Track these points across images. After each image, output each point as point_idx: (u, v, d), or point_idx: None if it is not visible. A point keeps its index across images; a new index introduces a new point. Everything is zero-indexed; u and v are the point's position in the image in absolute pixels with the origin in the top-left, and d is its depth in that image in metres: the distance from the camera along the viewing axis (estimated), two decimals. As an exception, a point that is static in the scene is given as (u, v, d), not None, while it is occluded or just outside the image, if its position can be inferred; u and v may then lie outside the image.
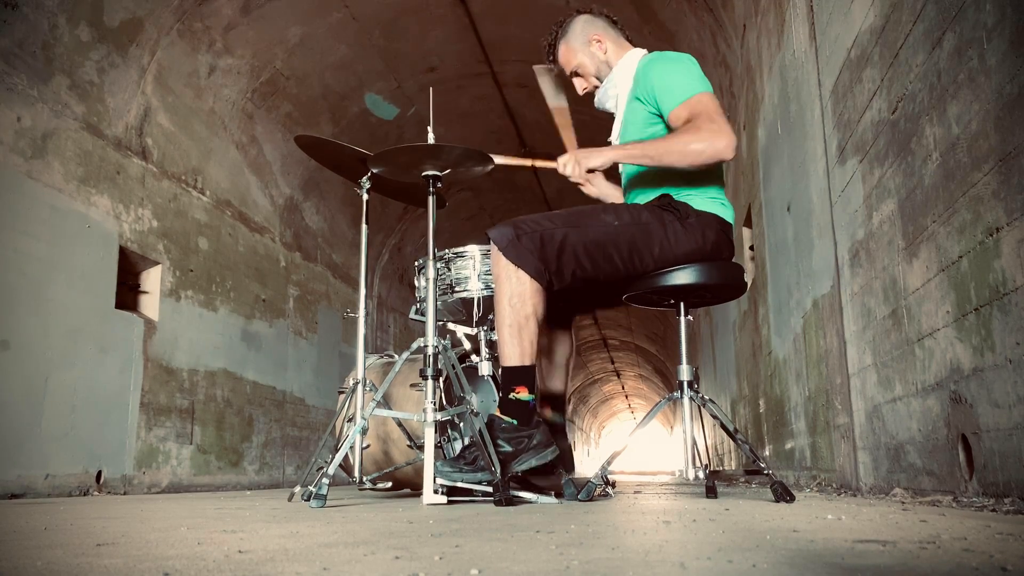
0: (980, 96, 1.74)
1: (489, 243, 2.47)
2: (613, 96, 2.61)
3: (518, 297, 2.36)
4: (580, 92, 2.69)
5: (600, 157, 2.42)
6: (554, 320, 2.74)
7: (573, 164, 2.45)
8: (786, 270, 3.96)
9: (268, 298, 6.17)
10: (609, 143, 2.62)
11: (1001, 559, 0.92)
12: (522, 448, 2.34)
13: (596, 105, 2.68)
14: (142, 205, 4.68)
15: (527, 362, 2.37)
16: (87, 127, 4.26)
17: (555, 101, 2.79)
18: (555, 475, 2.53)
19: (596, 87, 2.66)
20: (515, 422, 2.36)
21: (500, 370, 2.47)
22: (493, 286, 2.48)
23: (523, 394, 2.37)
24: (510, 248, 2.37)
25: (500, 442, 2.34)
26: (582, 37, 2.64)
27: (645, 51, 2.62)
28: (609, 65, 2.63)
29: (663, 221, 2.40)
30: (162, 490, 4.66)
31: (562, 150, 2.63)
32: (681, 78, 2.40)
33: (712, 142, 2.26)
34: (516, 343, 2.36)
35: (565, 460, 2.58)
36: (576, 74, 2.68)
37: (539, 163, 2.66)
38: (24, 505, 2.85)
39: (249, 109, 5.71)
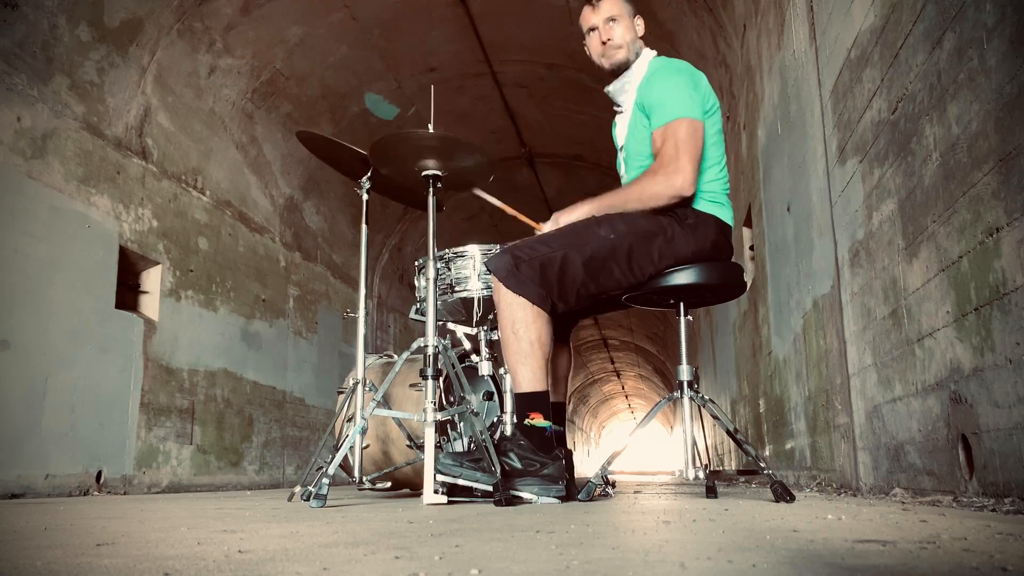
0: (980, 96, 1.74)
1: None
2: (626, 93, 2.59)
3: (521, 324, 2.36)
4: (606, 37, 2.56)
5: (574, 214, 2.49)
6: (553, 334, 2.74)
7: (553, 224, 2.52)
8: (786, 270, 3.96)
9: (268, 298, 6.17)
10: (613, 136, 2.68)
11: (1001, 559, 0.92)
12: (531, 471, 2.32)
13: (610, 90, 2.62)
14: (142, 205, 4.68)
15: (538, 388, 2.37)
16: (87, 127, 4.26)
17: (499, 202, 2.75)
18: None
19: (620, 48, 2.55)
20: (532, 445, 2.35)
21: (514, 396, 2.47)
22: (496, 314, 2.47)
23: (538, 420, 2.36)
24: (510, 278, 2.37)
25: (511, 455, 2.32)
26: (629, 6, 2.61)
27: (655, 52, 2.62)
28: (637, 49, 2.58)
29: (661, 225, 2.41)
30: (162, 490, 4.66)
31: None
32: (671, 97, 2.40)
33: (669, 183, 2.34)
34: (525, 369, 2.36)
35: (566, 466, 2.57)
36: (612, 20, 2.56)
37: (523, 218, 2.65)
38: (24, 505, 2.85)
39: (249, 109, 5.71)
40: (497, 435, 2.48)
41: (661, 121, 2.39)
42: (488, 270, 2.46)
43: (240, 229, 5.81)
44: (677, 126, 2.36)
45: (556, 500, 2.39)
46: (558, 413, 2.77)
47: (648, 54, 2.61)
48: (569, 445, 2.91)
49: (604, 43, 2.57)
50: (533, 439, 2.35)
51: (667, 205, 2.39)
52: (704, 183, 2.46)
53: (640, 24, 2.63)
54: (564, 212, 2.52)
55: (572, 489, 2.49)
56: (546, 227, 2.55)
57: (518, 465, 2.32)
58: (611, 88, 2.62)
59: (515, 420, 2.45)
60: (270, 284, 6.23)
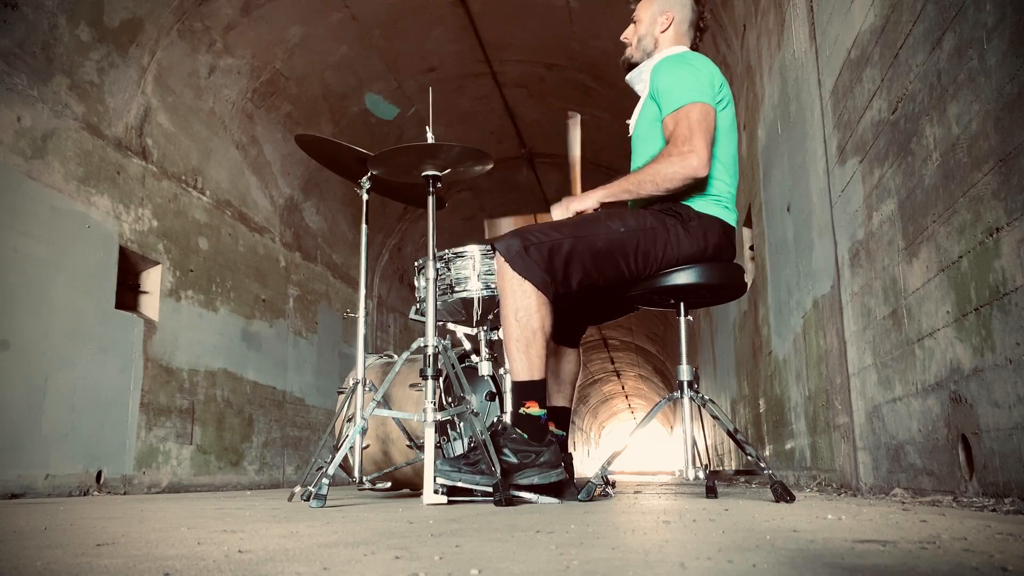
0: (980, 96, 1.74)
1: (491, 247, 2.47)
2: (642, 81, 2.62)
3: (524, 311, 2.36)
4: (621, 37, 2.70)
5: (586, 201, 2.51)
6: (562, 337, 2.74)
7: (563, 209, 2.55)
8: (786, 270, 3.96)
9: (268, 298, 6.17)
10: (627, 124, 2.70)
11: (1001, 559, 0.92)
12: (528, 463, 2.33)
13: (627, 79, 2.70)
14: (142, 205, 4.68)
15: (536, 377, 2.37)
16: (87, 127, 4.26)
17: (574, 151, 2.83)
18: (561, 495, 2.51)
19: (629, 46, 2.67)
20: (525, 436, 2.35)
21: (510, 385, 2.47)
22: (498, 298, 2.47)
23: (533, 409, 2.36)
24: (517, 259, 2.37)
25: (506, 452, 2.33)
26: (662, 3, 2.65)
27: (683, 48, 2.63)
28: (655, 45, 2.63)
29: (666, 225, 2.42)
30: (162, 490, 4.66)
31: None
32: (680, 84, 2.41)
33: (684, 163, 2.34)
34: (524, 358, 2.36)
35: (566, 470, 2.57)
36: (632, 22, 2.70)
37: (540, 216, 2.67)
38: (24, 505, 2.85)
39: (249, 109, 5.71)
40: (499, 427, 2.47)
41: (672, 107, 2.39)
42: (494, 250, 2.45)
43: (240, 229, 5.81)
44: (689, 109, 2.36)
45: (556, 499, 2.39)
46: (564, 418, 2.77)
47: (672, 49, 2.61)
48: (569, 446, 2.91)
49: (622, 39, 2.71)
50: (527, 428, 2.36)
51: (681, 187, 2.38)
52: (710, 184, 2.46)
53: (665, 18, 2.63)
54: (576, 199, 2.54)
55: (571, 486, 2.49)
56: (555, 211, 2.57)
57: (514, 460, 2.33)
58: (627, 77, 2.70)
59: (511, 410, 2.46)
60: (270, 284, 6.23)
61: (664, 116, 2.42)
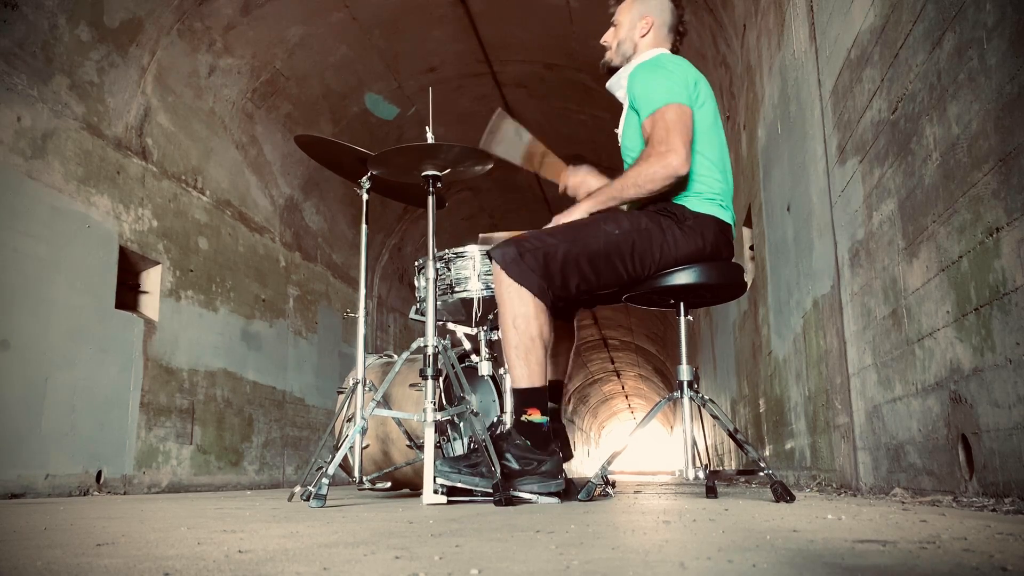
0: (980, 96, 1.74)
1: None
2: (621, 88, 2.62)
3: (523, 319, 2.36)
4: (601, 41, 2.70)
5: (574, 214, 2.51)
6: (556, 310, 2.74)
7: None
8: (786, 270, 3.96)
9: (268, 298, 6.17)
10: (616, 133, 2.69)
11: (1001, 559, 0.92)
12: (529, 470, 2.33)
13: (607, 86, 2.69)
14: (142, 205, 4.68)
15: (536, 384, 2.37)
16: (87, 127, 4.26)
17: (520, 147, 2.75)
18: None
19: (609, 49, 2.67)
20: (529, 443, 2.35)
21: (511, 391, 2.47)
22: (496, 304, 2.47)
23: (535, 416, 2.36)
24: (512, 266, 2.37)
25: (508, 457, 2.33)
26: (642, 7, 2.64)
27: (662, 50, 2.62)
28: (635, 50, 2.63)
29: (661, 225, 2.42)
30: (162, 490, 4.66)
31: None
32: (654, 87, 2.42)
33: (663, 163, 2.34)
34: (523, 365, 2.36)
35: (561, 443, 2.57)
36: (612, 25, 2.69)
37: (545, 174, 2.65)
38: (24, 505, 2.85)
39: (249, 109, 5.71)
40: (497, 431, 2.47)
41: (649, 110, 2.40)
42: (490, 259, 2.46)
43: (240, 229, 5.81)
44: (665, 111, 2.37)
45: (556, 499, 2.39)
46: (557, 390, 2.76)
47: (647, 53, 2.61)
48: (569, 445, 2.90)
49: (602, 42, 2.70)
50: (530, 436, 2.35)
51: (664, 187, 2.38)
52: (701, 181, 2.46)
53: (644, 23, 2.62)
54: (563, 214, 2.54)
55: (571, 486, 2.49)
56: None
57: (516, 466, 2.32)
58: (607, 84, 2.69)
59: (513, 417, 2.45)
60: (270, 284, 6.23)
61: (642, 120, 2.43)
